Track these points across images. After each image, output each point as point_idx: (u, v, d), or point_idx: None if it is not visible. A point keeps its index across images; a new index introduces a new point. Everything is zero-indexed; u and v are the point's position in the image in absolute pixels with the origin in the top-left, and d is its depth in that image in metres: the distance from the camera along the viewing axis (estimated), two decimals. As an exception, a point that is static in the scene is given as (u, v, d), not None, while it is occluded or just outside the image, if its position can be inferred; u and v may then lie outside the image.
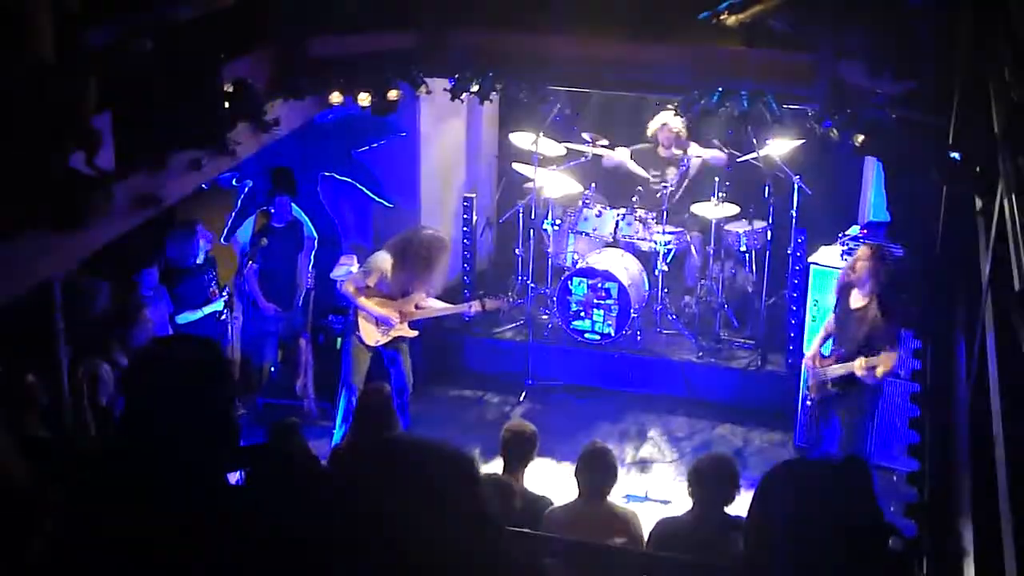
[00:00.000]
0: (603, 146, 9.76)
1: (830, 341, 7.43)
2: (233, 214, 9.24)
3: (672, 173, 9.61)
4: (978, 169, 4.24)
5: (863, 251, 7.16)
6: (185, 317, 7.96)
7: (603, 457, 5.75)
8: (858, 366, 6.95)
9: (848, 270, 7.23)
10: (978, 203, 4.31)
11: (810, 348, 7.60)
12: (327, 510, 1.75)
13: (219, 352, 2.54)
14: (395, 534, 1.65)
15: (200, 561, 2.30)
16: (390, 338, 8.05)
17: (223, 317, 8.17)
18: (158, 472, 2.34)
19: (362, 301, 7.92)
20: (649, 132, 9.75)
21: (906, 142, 5.91)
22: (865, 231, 8.32)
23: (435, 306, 8.21)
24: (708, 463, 5.50)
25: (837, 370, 7.14)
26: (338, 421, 8.08)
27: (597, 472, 5.70)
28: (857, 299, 7.13)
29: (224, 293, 8.18)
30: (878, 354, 6.92)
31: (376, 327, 8.01)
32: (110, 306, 7.01)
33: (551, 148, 9.56)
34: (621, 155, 9.77)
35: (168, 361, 2.42)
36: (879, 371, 6.91)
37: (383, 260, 7.89)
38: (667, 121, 9.57)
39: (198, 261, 8.10)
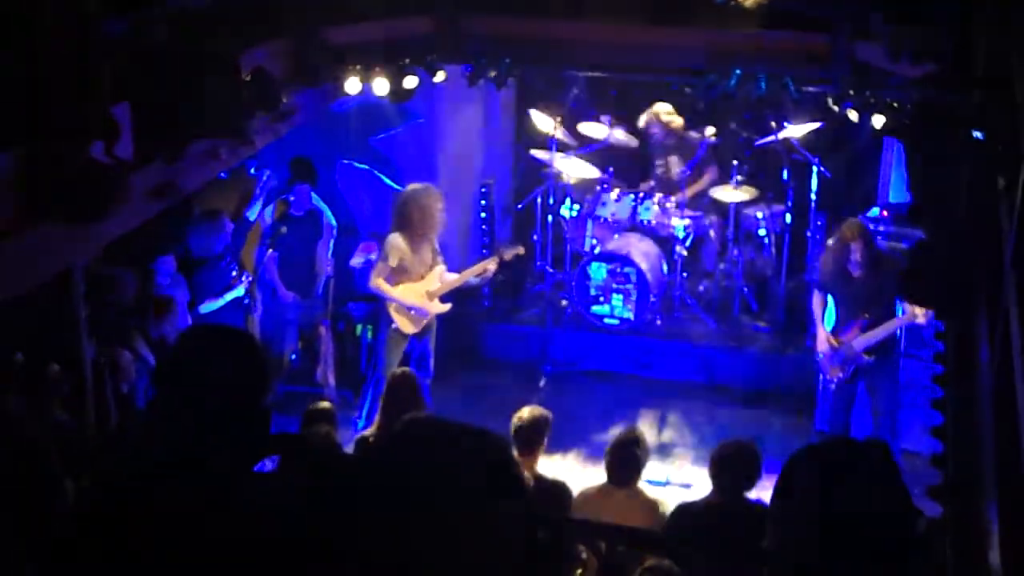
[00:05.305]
0: (621, 131, 9.72)
1: (832, 319, 7.50)
2: (252, 203, 9.23)
3: (675, 161, 9.56)
4: (1001, 148, 4.21)
5: (845, 232, 7.19)
6: (208, 306, 7.95)
7: (637, 443, 5.88)
8: (922, 315, 6.91)
9: (834, 251, 7.31)
10: (1001, 182, 4.27)
11: (819, 334, 7.58)
12: (360, 494, 1.74)
13: (254, 343, 2.55)
14: (431, 514, 1.64)
15: (227, 548, 2.31)
16: (427, 322, 8.07)
17: (245, 302, 8.16)
18: (187, 460, 2.35)
19: (389, 291, 7.89)
20: (640, 124, 9.68)
21: (927, 122, 5.86)
22: (886, 213, 8.27)
23: (458, 275, 8.21)
24: (731, 449, 5.55)
25: (871, 337, 7.21)
26: (364, 411, 8.08)
27: (629, 457, 5.80)
28: (855, 269, 7.25)
29: (244, 278, 8.16)
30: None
31: (411, 317, 8.02)
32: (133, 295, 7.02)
33: (568, 134, 9.54)
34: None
35: (204, 351, 2.43)
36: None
37: (393, 237, 7.88)
38: (656, 113, 9.50)
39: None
